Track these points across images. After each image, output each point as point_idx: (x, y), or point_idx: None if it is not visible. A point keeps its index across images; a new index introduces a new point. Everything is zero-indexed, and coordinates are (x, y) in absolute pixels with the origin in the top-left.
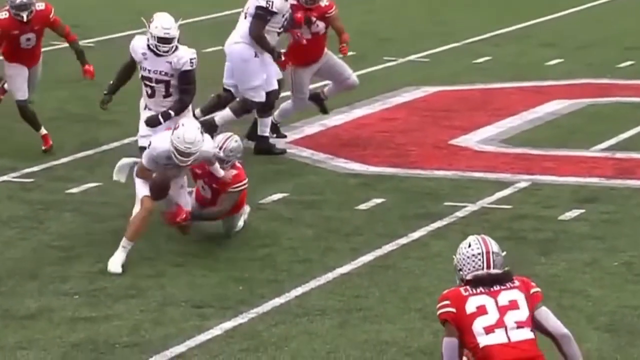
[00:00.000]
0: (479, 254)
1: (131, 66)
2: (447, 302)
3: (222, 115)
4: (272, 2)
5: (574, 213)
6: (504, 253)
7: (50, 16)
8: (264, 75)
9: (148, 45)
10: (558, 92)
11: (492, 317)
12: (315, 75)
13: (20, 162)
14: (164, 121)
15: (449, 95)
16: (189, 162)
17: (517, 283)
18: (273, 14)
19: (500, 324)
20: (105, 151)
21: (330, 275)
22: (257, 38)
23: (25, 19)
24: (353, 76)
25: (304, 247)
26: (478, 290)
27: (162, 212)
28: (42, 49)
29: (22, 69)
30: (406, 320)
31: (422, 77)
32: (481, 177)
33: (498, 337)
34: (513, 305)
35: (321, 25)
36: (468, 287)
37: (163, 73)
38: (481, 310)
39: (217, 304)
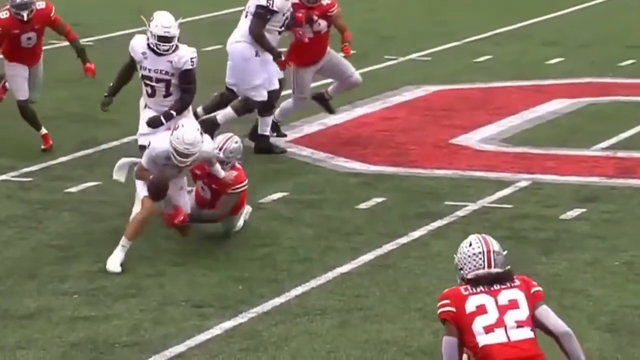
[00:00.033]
0: (479, 253)
1: (131, 67)
2: (447, 301)
3: (224, 113)
4: (273, 1)
5: (575, 212)
6: (505, 252)
7: (51, 15)
8: (265, 75)
9: (148, 44)
10: (559, 91)
11: (491, 316)
12: (317, 73)
13: (19, 161)
14: (166, 121)
15: (450, 94)
16: (187, 163)
17: (517, 282)
18: (273, 12)
19: (500, 323)
20: (104, 150)
21: (330, 275)
22: (257, 37)
23: (25, 18)
24: (356, 74)
25: (304, 247)
26: (478, 290)
27: (161, 214)
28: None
29: (22, 69)
30: (406, 320)
31: (422, 76)
32: (482, 177)
33: (497, 337)
34: (513, 304)
35: (323, 23)
36: (468, 286)
37: (163, 72)
38: (481, 310)
39: (217, 304)
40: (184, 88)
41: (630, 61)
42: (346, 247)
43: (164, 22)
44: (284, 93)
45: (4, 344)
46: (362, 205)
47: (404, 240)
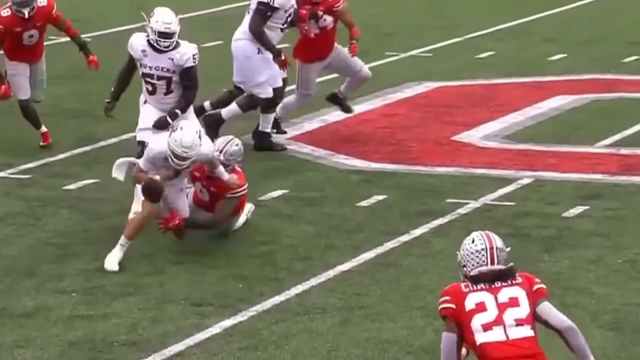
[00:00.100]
0: (482, 249)
1: (130, 67)
2: (447, 297)
3: (229, 109)
4: None
5: (578, 210)
6: (508, 249)
7: (53, 12)
8: (268, 71)
9: (148, 41)
10: (561, 87)
11: (490, 314)
12: (325, 69)
13: (16, 158)
14: (172, 121)
15: (451, 91)
16: (185, 166)
17: (519, 280)
18: (274, 9)
19: (498, 321)
20: (102, 147)
21: (330, 273)
22: (257, 34)
23: (26, 16)
24: (365, 68)
25: (304, 245)
26: (479, 287)
27: (159, 215)
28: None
29: (23, 68)
30: (407, 318)
31: (424, 73)
32: (483, 174)
33: (496, 335)
34: (513, 302)
35: (329, 19)
36: (469, 283)
37: (165, 69)
38: (480, 307)
39: (217, 302)
40: (186, 85)
41: (633, 57)
42: (347, 245)
43: (164, 18)
44: (287, 89)
45: (1, 342)
46: (363, 203)
47: (405, 238)
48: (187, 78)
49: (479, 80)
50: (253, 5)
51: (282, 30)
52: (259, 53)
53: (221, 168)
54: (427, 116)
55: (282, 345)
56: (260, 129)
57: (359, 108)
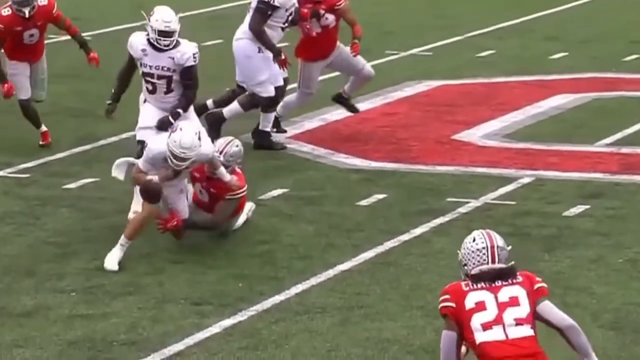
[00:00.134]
0: (483, 248)
1: (130, 67)
2: (447, 296)
3: (230, 108)
4: None
5: (579, 209)
6: (509, 247)
7: (54, 11)
8: (269, 70)
9: (148, 40)
10: (562, 86)
11: (490, 313)
12: (328, 67)
13: (16, 157)
14: (175, 121)
15: (452, 90)
16: (184, 166)
17: (520, 279)
18: (275, 8)
19: (498, 320)
20: (102, 146)
21: (330, 272)
22: (257, 33)
23: (27, 15)
24: (367, 66)
25: (304, 244)
26: (479, 286)
27: (159, 216)
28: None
29: (23, 68)
30: (408, 318)
31: (424, 71)
32: (484, 173)
33: (495, 334)
34: (513, 301)
35: (331, 18)
36: (469, 281)
37: (165, 68)
38: (480, 306)
39: (216, 302)
40: (186, 84)
41: (634, 56)
42: (347, 244)
43: (164, 16)
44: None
45: (1, 342)
46: (363, 202)
47: (405, 237)
48: (188, 77)
49: (479, 79)
50: (253, 4)
51: (283, 29)
52: (259, 52)
53: (222, 169)
54: (428, 115)
55: (282, 344)
56: (260, 127)
57: (359, 107)
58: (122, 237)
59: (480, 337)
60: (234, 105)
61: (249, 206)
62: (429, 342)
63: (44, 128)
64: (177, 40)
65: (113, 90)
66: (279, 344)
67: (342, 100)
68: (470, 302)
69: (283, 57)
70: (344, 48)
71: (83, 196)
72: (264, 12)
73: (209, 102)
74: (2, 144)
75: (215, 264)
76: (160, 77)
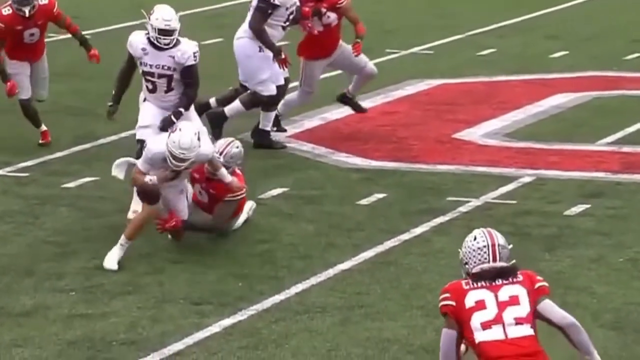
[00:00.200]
0: (484, 246)
1: (130, 66)
2: (447, 295)
3: (232, 107)
4: None
5: (579, 208)
6: (511, 246)
7: (54, 10)
8: (270, 69)
9: (148, 39)
10: (563, 85)
11: (490, 312)
12: (330, 66)
13: (15, 156)
14: (177, 120)
15: (453, 88)
16: (184, 167)
17: (520, 278)
18: (275, 7)
19: (498, 320)
20: (101, 145)
21: (331, 272)
22: (257, 32)
23: (27, 14)
24: (370, 64)
25: (304, 243)
26: (479, 285)
27: (158, 216)
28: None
29: (24, 67)
30: (408, 318)
31: (425, 70)
32: (485, 172)
33: (494, 334)
34: (513, 300)
35: (333, 16)
36: (470, 280)
37: (165, 67)
38: (480, 305)
39: (216, 301)
40: (187, 83)
41: (635, 55)
42: (347, 243)
43: (164, 15)
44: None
45: (0, 341)
46: (363, 201)
47: (405, 236)
48: (188, 76)
49: (480, 77)
50: (254, 3)
51: (283, 28)
52: (260, 51)
53: (223, 170)
54: (428, 114)
55: (282, 344)
56: (260, 126)
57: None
58: (122, 237)
59: (479, 336)
60: (236, 104)
61: (249, 205)
62: (429, 342)
63: (43, 127)
64: (177, 39)
65: (114, 92)
66: (279, 343)
67: (347, 100)
68: (470, 300)
69: (283, 56)
70: (347, 46)
71: (82, 195)
72: (265, 10)
73: (212, 101)
74: (2, 143)
75: (215, 264)
76: (160, 76)
